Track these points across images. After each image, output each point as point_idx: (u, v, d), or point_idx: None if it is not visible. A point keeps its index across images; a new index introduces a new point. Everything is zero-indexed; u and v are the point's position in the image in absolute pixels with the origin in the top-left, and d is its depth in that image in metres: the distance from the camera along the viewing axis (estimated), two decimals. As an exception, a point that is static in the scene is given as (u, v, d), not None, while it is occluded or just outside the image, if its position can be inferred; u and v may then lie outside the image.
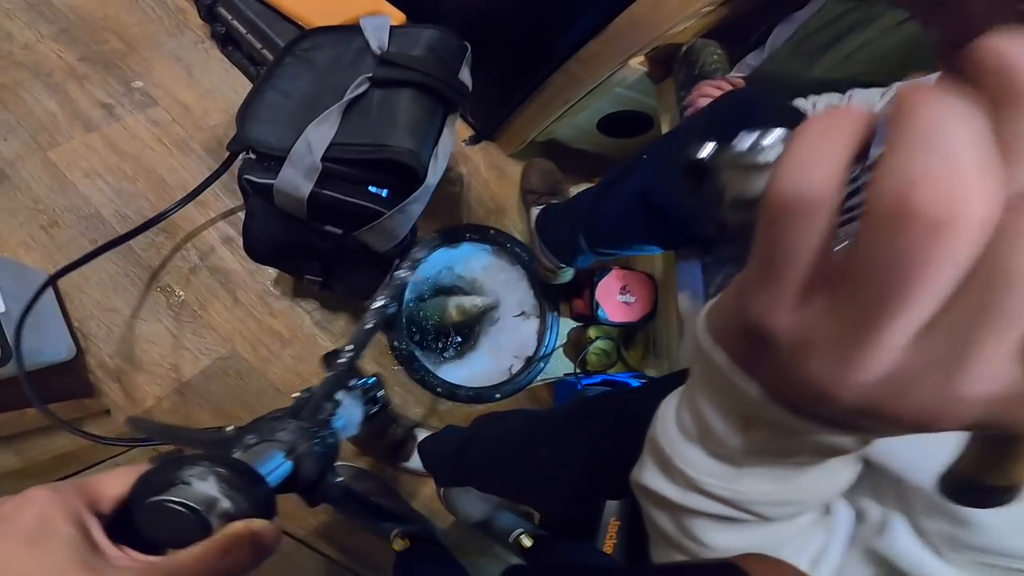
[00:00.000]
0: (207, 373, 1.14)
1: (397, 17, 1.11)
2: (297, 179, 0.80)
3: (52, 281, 0.94)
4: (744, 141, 0.23)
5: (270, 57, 1.10)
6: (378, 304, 0.72)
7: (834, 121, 0.19)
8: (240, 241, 1.15)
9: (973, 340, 0.16)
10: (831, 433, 0.23)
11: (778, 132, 0.23)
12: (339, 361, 0.66)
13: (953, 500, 0.25)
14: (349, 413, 0.74)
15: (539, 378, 1.36)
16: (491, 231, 1.36)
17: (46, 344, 1.01)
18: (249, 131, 0.82)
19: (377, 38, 0.85)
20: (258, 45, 1.11)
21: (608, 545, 1.15)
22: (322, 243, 0.94)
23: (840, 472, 0.29)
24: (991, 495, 0.24)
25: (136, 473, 0.34)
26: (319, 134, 0.78)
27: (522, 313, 1.39)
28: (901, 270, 0.16)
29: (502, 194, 1.43)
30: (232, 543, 0.34)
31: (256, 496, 0.37)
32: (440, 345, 1.31)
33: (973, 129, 0.16)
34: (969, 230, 0.15)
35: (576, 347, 1.40)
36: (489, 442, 1.01)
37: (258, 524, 0.36)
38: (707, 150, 0.26)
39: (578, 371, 1.37)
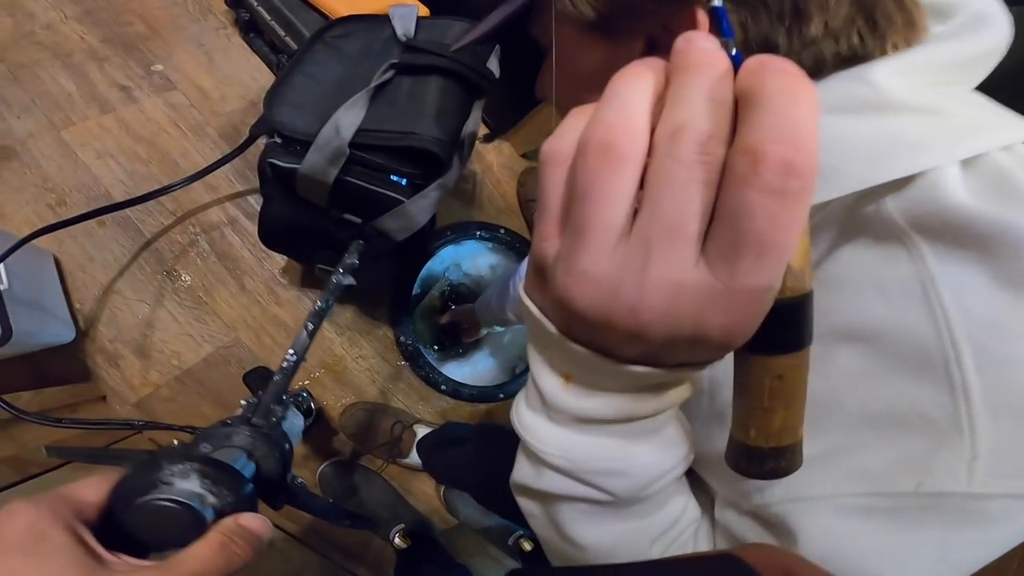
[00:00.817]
0: (209, 361, 1.12)
1: (422, 12, 1.12)
2: (323, 164, 0.80)
3: (25, 241, 0.89)
4: None
5: (294, 45, 1.11)
6: (317, 307, 0.73)
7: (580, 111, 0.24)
8: (250, 228, 1.15)
9: (653, 242, 0.20)
10: (613, 363, 0.25)
11: None
12: (284, 365, 0.67)
13: (738, 471, 0.26)
14: (291, 422, 0.74)
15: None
16: (501, 230, 1.36)
17: (46, 325, 0.99)
18: (276, 113, 0.81)
19: (403, 26, 0.85)
20: (282, 33, 1.11)
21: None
22: (340, 231, 0.92)
23: (670, 448, 0.33)
24: (765, 460, 0.25)
25: (110, 479, 0.34)
26: (347, 119, 0.77)
27: (529, 315, 1.38)
28: (584, 188, 0.21)
29: (513, 194, 1.43)
30: (228, 538, 0.34)
31: (239, 490, 0.38)
32: (445, 341, 1.30)
33: (644, 89, 0.22)
34: (624, 154, 0.20)
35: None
36: (486, 461, 0.98)
37: (247, 517, 0.36)
38: None
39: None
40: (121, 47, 1.14)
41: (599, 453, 0.31)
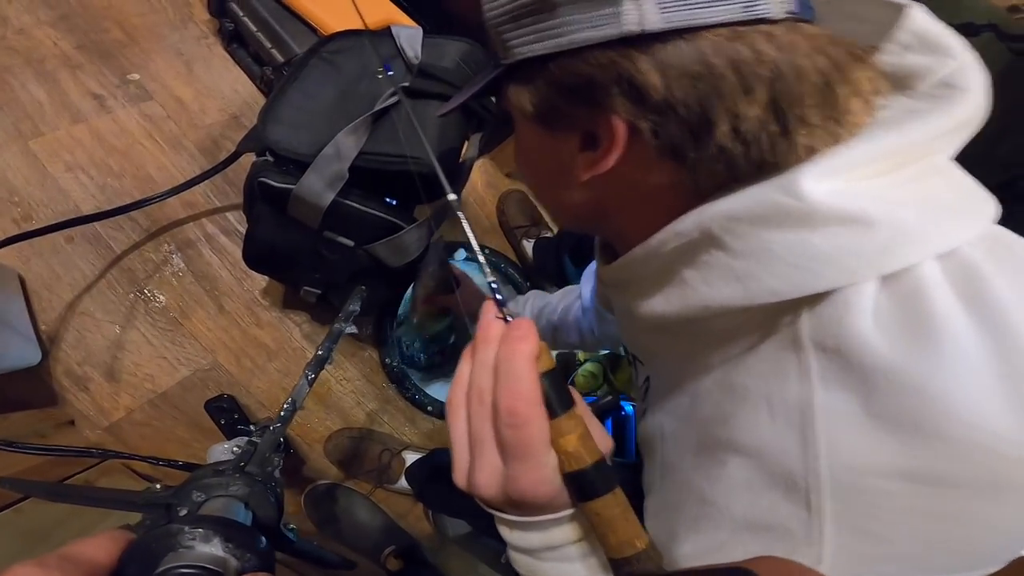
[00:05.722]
0: (185, 384, 1.07)
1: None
2: (319, 186, 0.77)
3: None
4: None
5: (280, 57, 1.07)
6: (318, 355, 0.72)
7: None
8: (229, 247, 1.11)
9: (475, 451, 0.35)
10: (501, 515, 0.38)
11: None
12: (283, 413, 0.66)
13: None
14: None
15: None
16: (486, 250, 1.34)
17: (11, 348, 0.93)
18: (271, 132, 0.78)
19: (411, 48, 0.83)
20: (268, 44, 1.08)
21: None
22: (330, 254, 0.90)
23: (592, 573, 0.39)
24: (620, 567, 0.34)
25: (120, 539, 0.31)
26: (349, 142, 0.75)
27: (513, 335, 1.37)
28: (448, 425, 0.37)
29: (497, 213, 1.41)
30: None
31: (257, 549, 0.37)
32: (429, 360, 1.27)
33: (467, 365, 0.36)
34: (457, 406, 0.36)
35: (565, 369, 1.39)
36: None
37: None
38: None
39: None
40: (96, 54, 1.08)
41: (543, 572, 0.40)
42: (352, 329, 0.77)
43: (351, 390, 1.17)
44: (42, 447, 0.88)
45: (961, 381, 0.29)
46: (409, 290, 1.23)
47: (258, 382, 1.10)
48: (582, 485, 0.33)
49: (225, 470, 0.54)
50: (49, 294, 1.00)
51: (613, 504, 0.33)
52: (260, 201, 0.86)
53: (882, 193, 0.33)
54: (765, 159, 0.34)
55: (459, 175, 0.85)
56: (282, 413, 0.64)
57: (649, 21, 0.31)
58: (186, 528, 0.35)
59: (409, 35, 0.85)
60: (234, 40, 1.13)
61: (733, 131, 0.33)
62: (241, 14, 1.07)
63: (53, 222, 1.00)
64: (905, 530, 0.31)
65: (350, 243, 0.87)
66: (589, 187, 0.41)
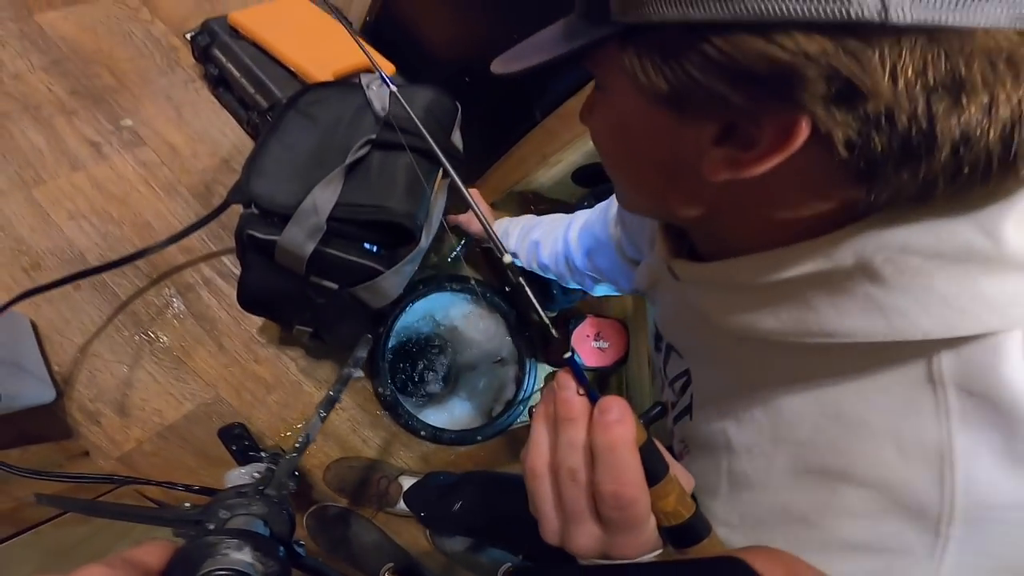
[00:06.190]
0: (190, 417, 1.13)
1: (387, 68, 1.13)
2: (300, 238, 0.82)
3: (4, 308, 0.92)
4: None
5: (263, 102, 1.11)
6: (329, 396, 0.77)
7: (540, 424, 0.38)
8: (226, 289, 1.16)
9: (568, 521, 0.36)
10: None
11: None
12: (297, 445, 0.72)
13: None
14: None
15: (519, 420, 1.38)
16: (471, 280, 1.37)
17: (27, 387, 1.00)
18: (255, 185, 0.83)
19: (379, 99, 0.86)
20: (251, 89, 1.11)
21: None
22: (317, 297, 0.94)
23: None
24: None
25: (168, 547, 0.37)
26: (325, 195, 0.80)
27: (500, 359, 1.41)
28: (529, 491, 0.38)
29: (482, 244, 1.44)
30: None
31: (285, 562, 0.43)
32: (420, 388, 1.32)
33: (545, 433, 0.37)
34: (540, 474, 0.37)
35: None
36: (482, 499, 1.02)
37: None
38: None
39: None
40: (90, 100, 1.13)
41: None
42: (359, 374, 0.81)
43: (347, 418, 1.23)
44: (67, 475, 0.95)
45: None
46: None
47: (259, 414, 1.16)
48: (681, 536, 0.35)
49: (247, 492, 0.60)
50: (60, 338, 1.07)
51: (710, 547, 0.35)
52: (250, 250, 0.90)
53: None
54: (964, 190, 0.29)
55: (430, 221, 0.89)
56: (297, 445, 0.70)
57: (897, 11, 0.24)
58: (224, 539, 0.41)
59: (378, 87, 0.88)
60: (220, 84, 1.17)
61: (953, 154, 0.27)
62: (224, 60, 1.10)
63: (60, 270, 1.06)
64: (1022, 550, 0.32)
65: (334, 286, 0.92)
66: (713, 187, 0.34)
